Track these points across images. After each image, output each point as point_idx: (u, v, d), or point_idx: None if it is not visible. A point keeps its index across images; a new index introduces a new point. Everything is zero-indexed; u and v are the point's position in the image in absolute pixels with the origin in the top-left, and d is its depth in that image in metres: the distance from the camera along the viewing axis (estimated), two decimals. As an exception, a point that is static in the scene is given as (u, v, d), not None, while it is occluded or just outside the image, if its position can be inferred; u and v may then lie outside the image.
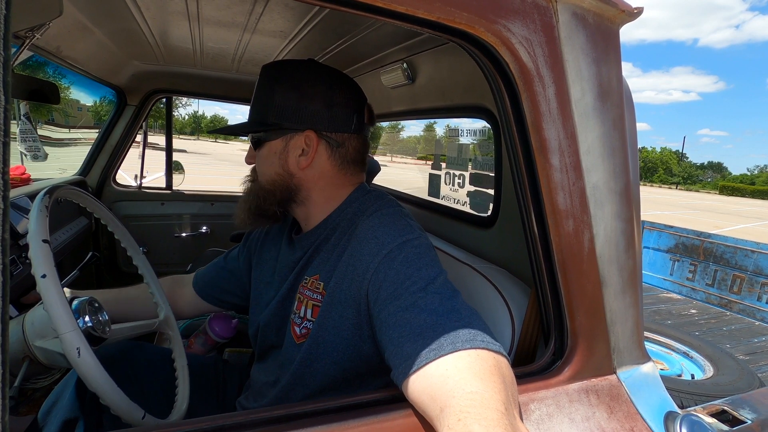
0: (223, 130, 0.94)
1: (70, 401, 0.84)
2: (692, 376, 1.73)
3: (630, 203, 0.66)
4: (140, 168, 2.19)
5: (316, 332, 0.72)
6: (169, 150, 2.29)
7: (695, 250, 3.41)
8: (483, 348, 0.52)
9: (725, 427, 0.72)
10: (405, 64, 1.39)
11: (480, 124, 1.16)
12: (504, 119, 0.61)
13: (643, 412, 0.65)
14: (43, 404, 0.83)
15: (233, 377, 1.09)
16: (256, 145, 0.82)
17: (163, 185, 2.27)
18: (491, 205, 1.12)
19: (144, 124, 2.12)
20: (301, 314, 0.76)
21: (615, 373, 0.66)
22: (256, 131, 0.80)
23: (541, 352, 0.78)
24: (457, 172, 1.31)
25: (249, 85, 2.15)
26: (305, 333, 0.74)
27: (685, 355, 1.89)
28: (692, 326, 2.87)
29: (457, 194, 1.32)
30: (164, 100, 2.20)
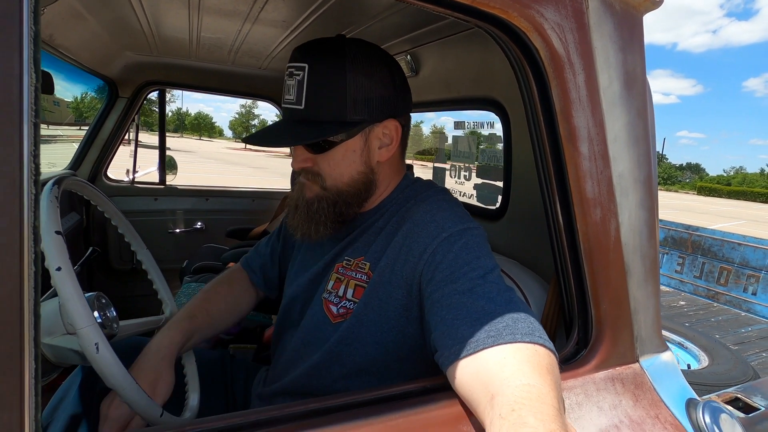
0: (272, 140, 0.73)
1: (75, 400, 0.81)
2: (688, 366, 1.77)
3: (652, 193, 0.67)
4: (133, 163, 2.14)
5: (360, 311, 0.69)
6: (162, 144, 2.24)
7: (684, 243, 3.49)
8: (541, 344, 0.51)
9: (741, 414, 0.73)
10: (409, 56, 1.37)
11: (488, 116, 1.15)
12: (530, 108, 0.60)
13: (665, 399, 0.65)
14: (48, 403, 0.80)
15: (240, 373, 1.07)
16: (323, 147, 0.69)
17: (156, 180, 2.22)
18: (500, 197, 1.12)
19: (136, 117, 2.06)
20: (340, 293, 0.73)
21: (638, 361, 0.67)
22: (334, 134, 0.67)
23: (559, 342, 0.78)
24: (463, 165, 1.31)
25: (245, 77, 2.11)
26: (343, 313, 0.71)
27: (680, 345, 1.93)
28: (682, 317, 2.94)
29: (463, 187, 1.31)
30: (157, 92, 2.14)
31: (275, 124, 0.77)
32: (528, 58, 0.56)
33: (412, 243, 0.67)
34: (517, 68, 0.60)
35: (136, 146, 2.16)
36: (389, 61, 0.71)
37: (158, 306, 0.92)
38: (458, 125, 1.35)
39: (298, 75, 0.66)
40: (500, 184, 1.12)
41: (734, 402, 0.78)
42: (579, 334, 0.65)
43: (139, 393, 0.57)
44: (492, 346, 0.50)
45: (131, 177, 2.16)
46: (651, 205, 0.67)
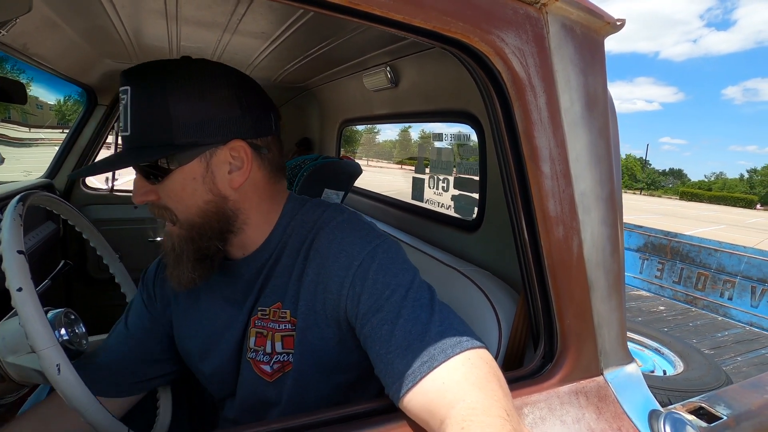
0: (100, 167, 0.68)
1: None
2: (664, 372, 1.80)
3: (615, 209, 0.68)
4: (112, 171, 2.11)
5: (299, 361, 0.66)
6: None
7: (663, 249, 3.56)
8: (469, 348, 0.52)
9: (704, 424, 0.75)
10: (389, 68, 1.39)
11: (466, 129, 1.17)
12: (495, 127, 0.62)
13: (628, 411, 0.67)
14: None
15: (206, 391, 1.05)
16: (156, 176, 0.62)
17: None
18: (476, 209, 1.13)
19: (116, 125, 2.04)
20: (267, 350, 0.67)
21: (602, 374, 0.68)
22: (159, 157, 0.60)
23: (528, 355, 0.79)
24: (441, 176, 1.32)
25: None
26: (278, 368, 0.67)
27: (657, 351, 1.97)
28: (661, 323, 3.00)
29: (441, 198, 1.32)
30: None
31: (112, 155, 0.71)
32: (491, 80, 0.58)
33: (326, 279, 0.63)
34: (482, 88, 0.61)
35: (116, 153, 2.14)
36: (236, 81, 0.64)
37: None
38: (436, 137, 1.37)
39: (123, 99, 0.60)
40: (476, 195, 1.14)
41: (698, 411, 0.80)
42: (545, 348, 0.67)
43: (104, 414, 0.57)
44: (428, 373, 0.51)
45: (110, 185, 2.13)
46: (614, 221, 0.68)
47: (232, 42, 1.44)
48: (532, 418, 0.58)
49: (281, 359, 0.66)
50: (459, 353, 0.52)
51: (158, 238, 2.25)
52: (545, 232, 0.62)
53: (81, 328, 0.77)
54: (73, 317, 0.76)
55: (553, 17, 0.58)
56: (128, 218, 2.14)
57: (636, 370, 0.74)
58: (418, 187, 1.43)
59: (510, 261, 0.99)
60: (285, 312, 0.66)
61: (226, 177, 0.63)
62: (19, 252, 0.55)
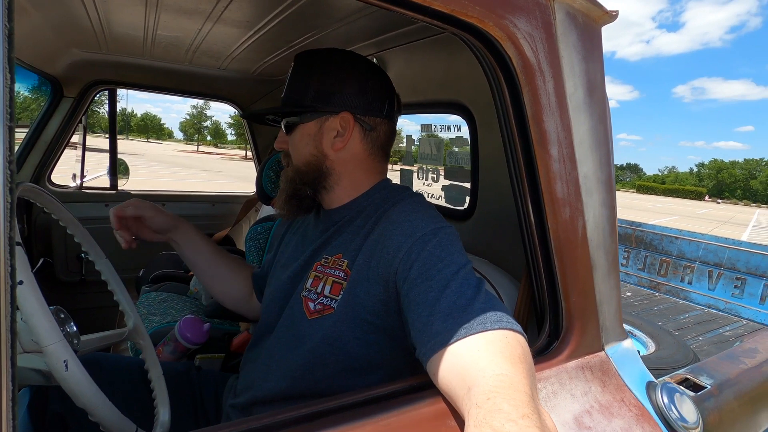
0: (251, 116, 0.97)
1: (25, 423, 0.75)
2: (638, 353, 1.90)
3: (612, 192, 0.72)
4: (80, 167, 2.00)
5: (340, 309, 0.71)
6: (113, 147, 2.11)
7: (628, 238, 3.74)
8: (509, 329, 0.54)
9: (691, 392, 0.80)
10: (375, 60, 1.39)
11: (455, 119, 1.19)
12: (503, 113, 0.63)
13: (628, 383, 0.70)
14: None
15: (209, 384, 1.03)
16: (289, 129, 0.82)
17: (107, 185, 2.09)
18: (467, 198, 1.15)
19: (84, 118, 1.93)
20: (318, 290, 0.75)
21: (603, 349, 0.71)
22: (292, 114, 0.81)
23: (531, 335, 0.82)
24: (431, 167, 1.34)
25: (203, 77, 2.03)
26: (320, 309, 0.73)
27: (630, 333, 2.07)
28: (629, 307, 3.15)
29: (431, 189, 1.34)
30: (107, 92, 2.02)
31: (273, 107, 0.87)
32: (501, 66, 0.59)
33: (387, 241, 0.69)
34: (490, 75, 0.62)
35: (84, 149, 2.02)
36: (369, 70, 0.80)
37: (111, 319, 0.87)
38: (425, 128, 1.38)
39: (290, 72, 0.81)
40: (467, 185, 1.16)
41: (685, 382, 0.86)
42: (551, 326, 0.69)
43: (112, 411, 0.54)
44: (465, 338, 0.53)
45: (79, 182, 2.02)
46: (611, 204, 0.72)
47: (213, 32, 1.39)
48: (545, 393, 0.60)
49: (324, 302, 0.73)
50: (498, 329, 0.53)
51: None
52: (552, 214, 0.64)
53: (73, 327, 0.73)
54: (63, 315, 0.72)
55: (558, 5, 0.60)
56: (99, 217, 2.04)
57: (631, 345, 0.78)
58: (406, 179, 1.44)
59: (504, 247, 1.02)
60: (343, 262, 0.74)
61: (331, 140, 0.77)
62: (17, 243, 0.52)
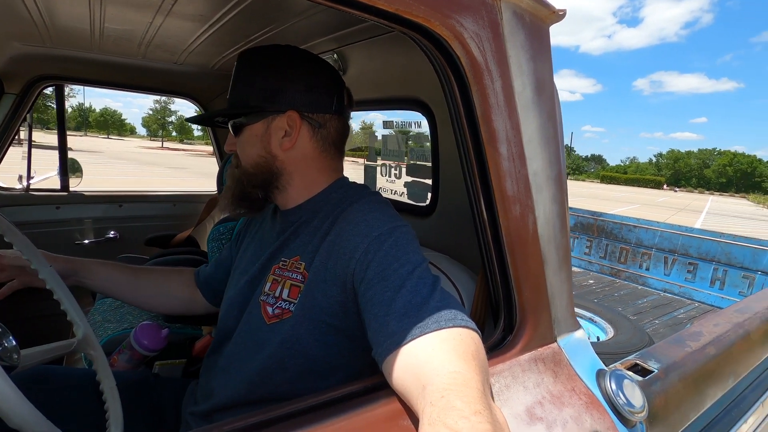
0: (198, 119, 0.90)
1: None
2: (598, 338, 1.98)
3: (562, 187, 0.73)
4: (27, 167, 1.89)
5: (298, 312, 0.71)
6: (62, 146, 2.00)
7: (590, 228, 3.88)
8: (463, 326, 0.55)
9: (639, 377, 0.84)
10: (336, 55, 1.37)
11: (416, 115, 1.19)
12: (454, 111, 0.64)
13: (579, 372, 0.73)
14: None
15: (168, 392, 1.00)
16: (237, 130, 0.80)
17: (58, 186, 1.98)
18: (429, 195, 1.16)
19: (29, 116, 1.82)
20: (276, 294, 0.74)
21: (556, 341, 0.74)
22: (236, 115, 0.79)
23: (488, 329, 0.83)
24: (393, 164, 1.34)
25: (159, 72, 1.95)
26: (279, 314, 0.73)
27: (591, 320, 2.16)
28: (592, 294, 3.27)
29: (394, 185, 1.34)
30: (53, 88, 1.91)
31: (217, 109, 0.84)
32: (450, 65, 0.59)
33: (343, 241, 0.69)
34: (440, 74, 0.62)
35: (30, 148, 1.91)
36: (315, 66, 0.79)
37: (58, 329, 0.83)
38: (387, 124, 1.38)
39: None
40: (429, 181, 1.17)
41: (634, 367, 0.89)
42: (505, 321, 0.71)
43: (51, 430, 0.52)
44: (419, 337, 0.54)
45: (25, 183, 1.90)
46: (562, 199, 0.74)
47: (166, 25, 1.34)
48: (498, 387, 0.62)
49: (283, 306, 0.73)
50: (452, 327, 0.54)
51: (86, 241, 2.06)
52: (503, 211, 0.65)
53: (11, 341, 0.68)
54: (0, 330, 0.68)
55: (505, 4, 0.61)
56: (49, 220, 1.93)
57: (583, 335, 0.81)
58: (370, 176, 1.43)
59: (465, 243, 1.03)
60: (301, 264, 0.74)
61: (279, 140, 0.76)
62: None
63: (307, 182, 0.80)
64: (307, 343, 0.71)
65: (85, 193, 2.05)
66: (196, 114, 2.24)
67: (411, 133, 1.30)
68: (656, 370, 0.88)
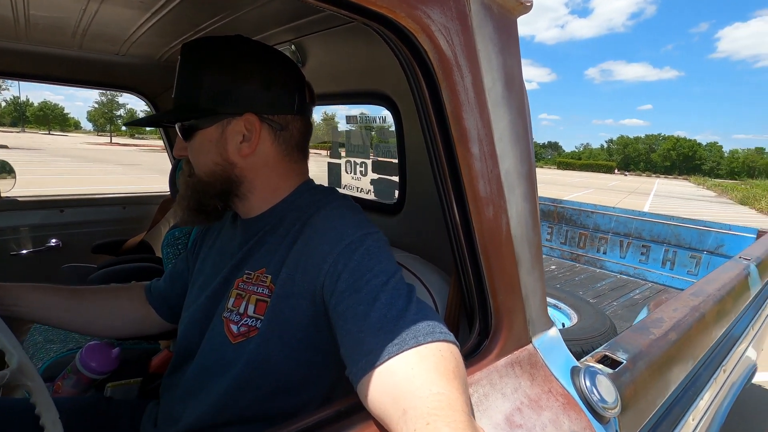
0: (140, 122, 0.78)
1: None
2: (563, 325, 2.04)
3: (533, 184, 0.72)
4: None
5: (266, 329, 0.66)
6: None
7: (551, 215, 3.99)
8: (443, 340, 0.52)
9: (610, 370, 0.84)
10: (293, 46, 1.29)
11: (380, 110, 1.14)
12: (422, 109, 0.60)
13: (555, 372, 0.72)
14: None
15: (123, 417, 0.92)
16: (186, 135, 0.71)
17: (-14, 192, 1.79)
18: (397, 192, 1.13)
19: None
20: (241, 310, 0.68)
21: (531, 342, 0.72)
22: (185, 119, 0.70)
23: (462, 332, 0.81)
24: (359, 160, 1.29)
25: (98, 64, 1.79)
26: (245, 331, 0.67)
27: (556, 307, 2.22)
28: (554, 280, 3.38)
29: (360, 183, 1.29)
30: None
31: (159, 113, 0.75)
32: (417, 60, 0.55)
33: (311, 252, 0.65)
34: (407, 69, 0.58)
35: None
36: (271, 60, 0.70)
37: None
38: (350, 119, 1.32)
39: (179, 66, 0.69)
40: (396, 178, 1.13)
41: (604, 359, 0.90)
42: (480, 326, 0.69)
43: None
44: (397, 354, 0.50)
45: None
46: (533, 197, 0.72)
47: (102, 12, 1.21)
48: (477, 397, 0.59)
49: (249, 323, 0.68)
50: (431, 342, 0.51)
51: (24, 251, 1.88)
52: (476, 213, 0.62)
53: None
54: None
55: (473, -6, 0.57)
56: (-22, 230, 1.75)
57: (556, 332, 0.80)
58: (334, 173, 1.38)
59: (435, 242, 1.01)
60: (267, 277, 0.69)
61: (237, 146, 0.69)
62: None
63: (271, 189, 0.74)
64: (275, 361, 0.67)
65: (20, 199, 1.87)
66: (146, 109, 2.08)
67: (375, 128, 1.26)
68: (625, 361, 0.89)
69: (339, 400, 0.54)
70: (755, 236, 2.83)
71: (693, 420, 1.17)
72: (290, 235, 0.69)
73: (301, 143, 0.75)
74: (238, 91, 0.67)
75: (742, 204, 20.40)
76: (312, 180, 0.79)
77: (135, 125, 0.77)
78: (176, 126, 0.73)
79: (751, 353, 2.03)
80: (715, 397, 1.44)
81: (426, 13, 0.51)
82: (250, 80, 0.68)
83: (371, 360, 0.51)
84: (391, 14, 0.49)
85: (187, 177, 0.74)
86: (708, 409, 1.35)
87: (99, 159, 21.45)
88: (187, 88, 0.69)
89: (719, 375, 1.40)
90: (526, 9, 0.68)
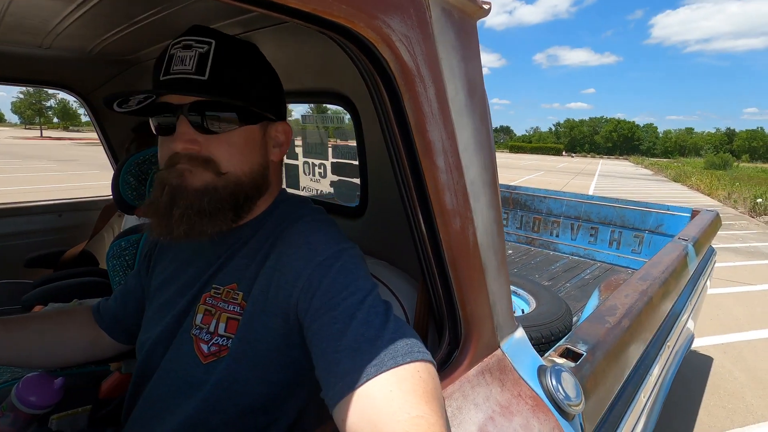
0: (179, 87, 0.64)
1: None
2: (522, 311, 2.11)
3: (497, 191, 0.72)
4: None
5: (236, 348, 0.63)
6: None
7: (507, 201, 4.12)
8: (421, 360, 0.51)
9: (572, 363, 0.87)
10: (242, 42, 1.21)
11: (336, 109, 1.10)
12: (385, 121, 0.57)
13: (523, 374, 0.74)
14: None
15: (72, 450, 0.85)
16: (217, 127, 0.63)
17: None
18: (358, 195, 1.10)
19: None
20: (211, 329, 0.65)
21: (499, 346, 0.73)
22: (241, 108, 0.64)
23: (431, 339, 0.81)
24: (317, 162, 1.24)
25: (19, 59, 1.60)
26: (216, 351, 0.64)
27: (515, 294, 2.29)
28: (512, 264, 3.50)
29: (319, 185, 1.25)
30: None
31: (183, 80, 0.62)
32: (379, 71, 0.52)
33: (284, 268, 0.62)
34: (368, 79, 0.55)
35: None
36: (273, 70, 0.73)
37: None
38: (306, 119, 1.27)
39: (201, 48, 0.61)
40: (358, 180, 1.10)
41: (566, 352, 0.93)
42: (450, 336, 0.68)
43: None
44: (375, 377, 0.49)
45: None
46: (497, 203, 0.72)
47: (19, 2, 1.08)
48: (451, 411, 0.59)
49: (220, 342, 0.65)
50: (409, 362, 0.50)
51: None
52: (443, 226, 0.61)
53: None
54: None
55: (433, 1, 0.55)
56: None
57: (522, 333, 0.82)
58: (291, 174, 1.32)
59: (400, 245, 0.99)
60: (238, 294, 0.66)
61: (271, 149, 0.71)
62: None
63: (268, 197, 0.73)
64: (246, 381, 0.64)
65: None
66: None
67: (332, 128, 1.22)
68: (585, 353, 0.92)
69: (313, 429, 0.51)
70: (689, 215, 3.06)
71: (644, 397, 1.25)
72: (263, 250, 0.67)
73: (285, 151, 0.76)
74: (279, 97, 0.72)
75: (675, 181, 22.07)
76: (286, 190, 0.78)
77: (141, 93, 0.61)
78: (189, 116, 0.62)
79: (690, 324, 2.21)
80: (662, 372, 1.55)
81: (386, 23, 0.48)
82: (276, 88, 0.71)
83: (348, 383, 0.50)
84: (349, 24, 0.46)
85: (213, 176, 0.63)
86: (656, 383, 1.46)
87: (29, 155, 19.64)
88: (237, 77, 0.63)
89: (665, 351, 1.51)
90: (485, 12, 0.66)
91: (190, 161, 0.63)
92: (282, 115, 0.73)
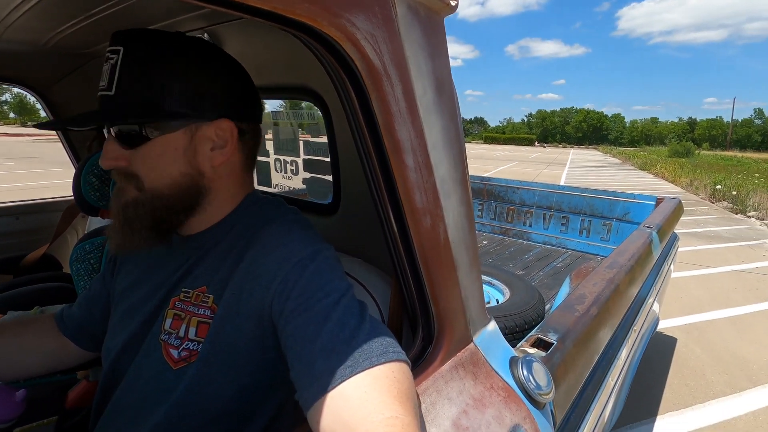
0: (64, 123, 0.67)
1: None
2: (497, 301, 2.16)
3: (468, 188, 0.72)
4: None
5: (207, 352, 0.62)
6: None
7: (481, 193, 4.18)
8: (395, 360, 0.52)
9: (543, 353, 0.90)
10: (207, 35, 1.17)
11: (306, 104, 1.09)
12: (353, 120, 0.57)
13: (495, 366, 0.75)
14: None
15: (37, 463, 0.82)
16: (135, 141, 0.60)
17: None
18: (331, 192, 1.09)
19: None
20: (181, 334, 0.64)
21: (472, 340, 0.74)
22: (145, 121, 0.59)
23: (406, 335, 0.81)
24: (289, 158, 1.23)
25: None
26: (186, 356, 0.63)
27: (490, 284, 2.34)
28: (487, 255, 3.56)
29: (291, 182, 1.23)
30: None
31: (92, 111, 0.61)
32: (345, 69, 0.52)
33: (258, 270, 0.61)
34: (334, 78, 0.55)
35: None
36: (237, 69, 0.67)
37: None
38: (277, 116, 1.25)
39: (113, 59, 0.59)
40: (330, 177, 1.09)
41: (538, 342, 0.96)
42: (423, 332, 0.69)
43: None
44: (350, 377, 0.49)
45: None
46: (468, 199, 0.72)
47: (-41, -7, 1.01)
48: (425, 407, 0.60)
49: (190, 347, 0.63)
50: (384, 363, 0.51)
51: None
52: (414, 224, 0.61)
53: None
54: None
55: (399, -2, 0.54)
56: None
57: (494, 326, 0.83)
58: (263, 172, 1.30)
59: (373, 242, 0.99)
60: (208, 297, 0.64)
61: (207, 153, 0.64)
62: None
63: (226, 201, 0.69)
64: (218, 385, 0.63)
65: None
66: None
67: (304, 125, 1.20)
68: (555, 342, 0.95)
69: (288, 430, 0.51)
70: (654, 203, 3.19)
71: (612, 381, 1.30)
72: (235, 252, 0.65)
73: (256, 151, 0.72)
74: (210, 93, 0.62)
75: (641, 169, 22.88)
76: (258, 191, 0.75)
77: (53, 128, 0.65)
78: (112, 130, 0.61)
79: (656, 308, 2.31)
80: (629, 355, 1.62)
81: (350, 21, 0.47)
82: (218, 82, 0.63)
83: (323, 384, 0.50)
84: (312, 23, 0.45)
85: (136, 192, 0.62)
86: (624, 367, 1.52)
87: (-16, 153, 18.55)
88: (141, 86, 0.59)
89: (631, 335, 1.57)
90: (452, 9, 0.66)
91: (120, 177, 0.63)
92: (237, 113, 0.66)
